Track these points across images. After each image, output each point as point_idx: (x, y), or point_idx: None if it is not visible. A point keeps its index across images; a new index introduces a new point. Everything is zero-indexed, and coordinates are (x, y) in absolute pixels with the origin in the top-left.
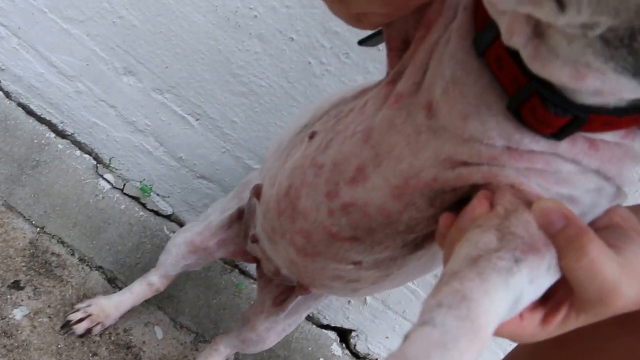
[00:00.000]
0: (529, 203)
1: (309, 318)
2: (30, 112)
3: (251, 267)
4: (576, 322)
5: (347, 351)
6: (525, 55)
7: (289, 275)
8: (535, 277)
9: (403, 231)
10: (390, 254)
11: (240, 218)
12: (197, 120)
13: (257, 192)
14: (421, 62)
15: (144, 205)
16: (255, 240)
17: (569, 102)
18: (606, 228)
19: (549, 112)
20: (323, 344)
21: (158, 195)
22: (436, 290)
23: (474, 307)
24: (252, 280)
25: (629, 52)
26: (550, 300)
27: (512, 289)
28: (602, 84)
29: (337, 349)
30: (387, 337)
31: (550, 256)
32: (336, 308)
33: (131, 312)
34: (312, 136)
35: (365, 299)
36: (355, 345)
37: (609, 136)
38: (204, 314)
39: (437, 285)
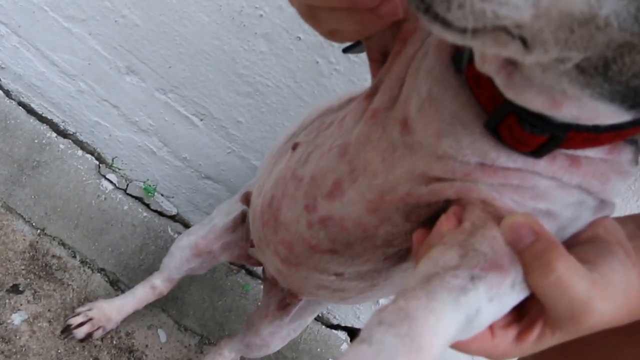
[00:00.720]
0: (499, 218)
1: (318, 318)
2: (30, 111)
3: (258, 268)
4: (552, 339)
5: None
6: (499, 82)
7: (279, 282)
8: (496, 295)
9: (381, 245)
10: (372, 266)
11: (244, 221)
12: (201, 120)
13: (246, 199)
14: (397, 76)
15: (147, 205)
16: (252, 245)
17: (547, 121)
18: (588, 241)
19: (525, 131)
20: (332, 345)
21: (162, 195)
22: (381, 309)
23: (416, 325)
24: (259, 281)
25: (604, 79)
26: (524, 318)
27: (464, 308)
28: (580, 111)
29: (347, 349)
30: None
31: (516, 273)
32: (346, 308)
33: (134, 315)
34: (294, 147)
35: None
36: None
37: (592, 152)
38: (209, 316)
39: (385, 304)
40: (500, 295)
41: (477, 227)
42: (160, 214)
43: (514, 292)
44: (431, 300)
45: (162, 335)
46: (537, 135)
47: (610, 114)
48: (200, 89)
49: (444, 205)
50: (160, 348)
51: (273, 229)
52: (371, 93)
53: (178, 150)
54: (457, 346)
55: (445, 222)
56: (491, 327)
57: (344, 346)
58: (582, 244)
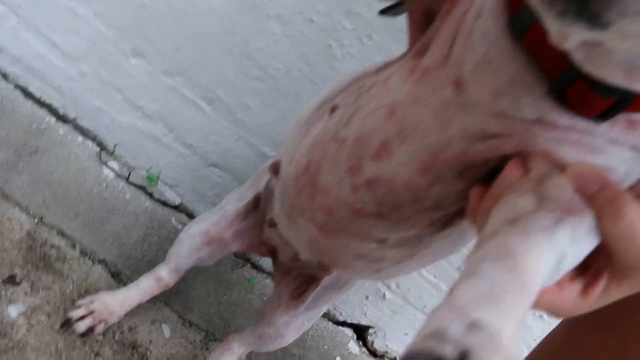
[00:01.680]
0: (562, 169)
1: (325, 314)
2: (29, 95)
3: (264, 262)
4: (617, 291)
5: (364, 349)
6: (578, 57)
7: (309, 257)
8: (577, 239)
9: (430, 207)
10: (416, 232)
11: (257, 207)
12: (209, 105)
13: (275, 168)
14: (448, 36)
15: (150, 195)
16: (273, 224)
17: (614, 85)
18: None
19: (596, 95)
20: (339, 342)
21: (166, 184)
22: (478, 248)
23: (520, 261)
24: (265, 275)
25: None
26: (589, 270)
27: (555, 248)
28: None
29: (354, 346)
30: (406, 334)
31: (589, 219)
32: (353, 304)
33: (137, 310)
34: (333, 110)
35: (384, 294)
36: (372, 343)
37: None
38: (215, 310)
39: (476, 246)
40: (579, 239)
41: (544, 176)
42: (164, 203)
43: (589, 237)
44: (527, 238)
45: (167, 331)
46: (606, 100)
47: None
48: (209, 73)
49: (500, 162)
50: (165, 344)
51: (310, 195)
52: (419, 52)
53: (184, 137)
54: None
55: (512, 171)
56: (559, 281)
57: (351, 343)
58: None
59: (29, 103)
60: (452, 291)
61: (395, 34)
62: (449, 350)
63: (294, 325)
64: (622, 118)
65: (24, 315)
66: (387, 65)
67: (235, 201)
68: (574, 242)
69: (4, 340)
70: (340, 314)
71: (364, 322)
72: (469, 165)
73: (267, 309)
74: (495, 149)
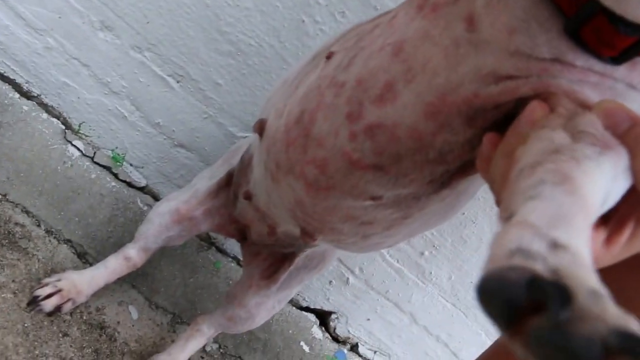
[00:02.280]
0: (588, 108)
1: (289, 300)
2: None
3: (229, 245)
4: None
5: (327, 334)
6: None
7: (290, 227)
8: (617, 176)
9: (433, 160)
10: (414, 189)
11: (229, 185)
12: (178, 82)
13: (260, 127)
14: None
15: (115, 175)
16: (248, 196)
17: (635, 22)
18: None
19: (617, 32)
20: (303, 327)
21: (131, 165)
22: (525, 175)
23: (579, 185)
24: (230, 259)
25: None
26: (612, 219)
27: (606, 176)
28: None
29: (317, 332)
30: (368, 319)
31: (625, 156)
32: (316, 289)
33: (103, 291)
34: (329, 57)
35: (348, 279)
36: (335, 329)
37: None
38: (181, 293)
39: (516, 178)
40: (619, 178)
41: (573, 113)
42: (129, 184)
43: (625, 178)
44: (579, 165)
45: (134, 312)
46: (628, 37)
47: None
48: (179, 48)
49: (515, 106)
50: (133, 325)
51: (302, 147)
52: None
53: (151, 115)
54: None
55: (537, 109)
56: None
57: (314, 328)
58: None
59: None
60: (511, 213)
61: (368, 11)
62: (540, 267)
63: (265, 307)
64: None
65: None
66: (386, 13)
67: (207, 179)
68: (615, 179)
69: None
70: (304, 299)
71: (327, 308)
72: (480, 109)
73: (237, 290)
74: (511, 92)
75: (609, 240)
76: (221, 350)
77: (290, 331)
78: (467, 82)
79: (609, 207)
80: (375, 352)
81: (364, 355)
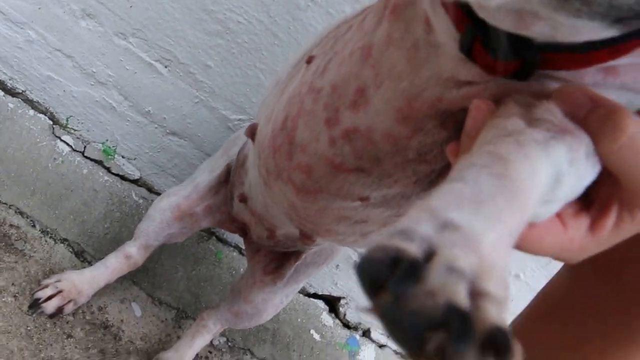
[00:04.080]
0: (546, 97)
1: None
2: None
3: (229, 234)
4: (632, 222)
5: (337, 320)
6: (472, 2)
7: (288, 229)
8: (575, 160)
9: (414, 160)
10: (400, 189)
11: (228, 179)
12: (166, 67)
13: (251, 131)
14: None
15: (108, 169)
16: (243, 199)
17: (523, 44)
18: None
19: (490, 57)
20: (312, 314)
21: (123, 157)
22: (466, 157)
23: (512, 168)
24: (231, 248)
25: (582, 3)
26: (594, 204)
27: (553, 161)
28: (553, 31)
29: (327, 318)
30: None
31: (587, 141)
32: (324, 274)
33: (104, 289)
34: (309, 61)
35: (355, 261)
36: (345, 315)
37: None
38: (184, 287)
39: (462, 159)
40: (578, 161)
41: (530, 102)
42: (123, 177)
43: (589, 162)
44: (522, 147)
45: (137, 309)
46: (506, 62)
47: (589, 31)
48: (164, 31)
49: None
50: (137, 323)
51: (287, 153)
52: None
53: (140, 104)
54: (528, 244)
55: (481, 105)
56: (561, 218)
57: (324, 315)
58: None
59: None
60: (435, 196)
61: None
62: (414, 247)
63: (272, 303)
64: (592, 70)
65: None
66: (366, 8)
67: (207, 173)
68: (573, 163)
69: None
70: (311, 285)
71: (335, 293)
72: (449, 112)
73: (242, 286)
74: (473, 97)
75: (594, 226)
76: (229, 344)
77: (299, 320)
78: (430, 87)
79: (568, 196)
80: (388, 336)
81: (377, 341)
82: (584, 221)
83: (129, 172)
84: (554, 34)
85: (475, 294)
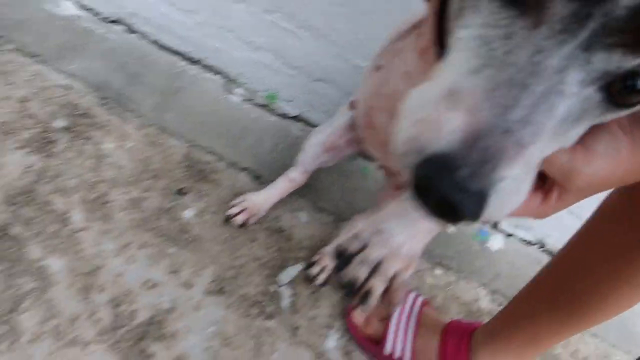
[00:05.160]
0: None
1: None
2: (163, 47)
3: None
4: (567, 197)
5: None
6: None
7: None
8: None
9: None
10: None
11: None
12: (306, 32)
13: (352, 106)
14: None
15: (272, 111)
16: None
17: None
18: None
19: None
20: None
21: (284, 101)
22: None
23: None
24: (375, 164)
25: None
26: (545, 185)
27: None
28: None
29: None
30: None
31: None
32: None
33: (277, 203)
34: (378, 69)
35: None
36: None
37: None
38: (339, 197)
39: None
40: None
41: None
42: (284, 116)
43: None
44: None
45: (303, 217)
46: None
47: None
48: (299, 6)
49: None
50: (303, 227)
51: (370, 131)
52: (418, 27)
53: (290, 61)
54: None
55: None
56: None
57: None
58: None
59: (164, 54)
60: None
61: None
62: (356, 245)
63: None
64: None
65: (196, 216)
66: (414, 26)
67: (345, 114)
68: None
69: (185, 235)
70: None
71: None
72: None
73: (379, 198)
74: None
75: (544, 199)
76: None
77: None
78: None
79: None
80: (516, 226)
81: (505, 231)
82: (538, 196)
83: (289, 112)
84: None
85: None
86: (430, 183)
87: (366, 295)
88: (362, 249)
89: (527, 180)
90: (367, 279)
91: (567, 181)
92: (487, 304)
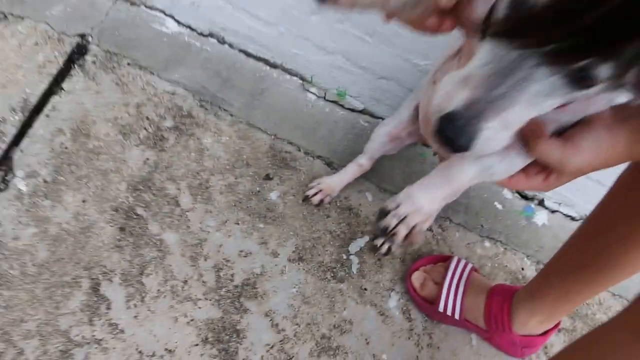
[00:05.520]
0: None
1: None
2: (249, 55)
3: None
4: (562, 178)
5: (516, 194)
6: None
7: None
8: (505, 157)
9: None
10: None
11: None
12: (371, 37)
13: (415, 109)
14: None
15: (342, 106)
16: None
17: None
18: (581, 123)
19: None
20: (496, 191)
21: (351, 96)
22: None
23: (450, 168)
24: (432, 150)
25: None
26: (547, 168)
27: (478, 163)
28: None
29: (507, 193)
30: None
31: (519, 147)
32: None
33: (347, 185)
34: (434, 83)
35: None
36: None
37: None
38: (400, 179)
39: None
40: (507, 157)
41: None
42: (352, 110)
43: (519, 157)
44: (461, 158)
45: (369, 196)
46: None
47: None
48: (366, 16)
49: None
50: (369, 205)
51: (428, 128)
52: (461, 52)
53: (357, 62)
54: (513, 184)
55: None
56: (527, 173)
57: (505, 191)
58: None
59: (250, 60)
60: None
61: None
62: (393, 205)
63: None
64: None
65: (280, 197)
66: (456, 52)
67: (407, 109)
68: (503, 159)
69: (272, 213)
70: None
71: None
72: None
73: None
74: None
75: (545, 179)
76: None
77: (485, 195)
78: None
79: (502, 173)
80: (560, 203)
81: (549, 208)
82: (540, 176)
83: (357, 106)
84: None
85: (403, 222)
86: (442, 128)
87: (393, 237)
88: (396, 207)
89: (505, 132)
90: (395, 227)
91: (562, 167)
92: (531, 273)
